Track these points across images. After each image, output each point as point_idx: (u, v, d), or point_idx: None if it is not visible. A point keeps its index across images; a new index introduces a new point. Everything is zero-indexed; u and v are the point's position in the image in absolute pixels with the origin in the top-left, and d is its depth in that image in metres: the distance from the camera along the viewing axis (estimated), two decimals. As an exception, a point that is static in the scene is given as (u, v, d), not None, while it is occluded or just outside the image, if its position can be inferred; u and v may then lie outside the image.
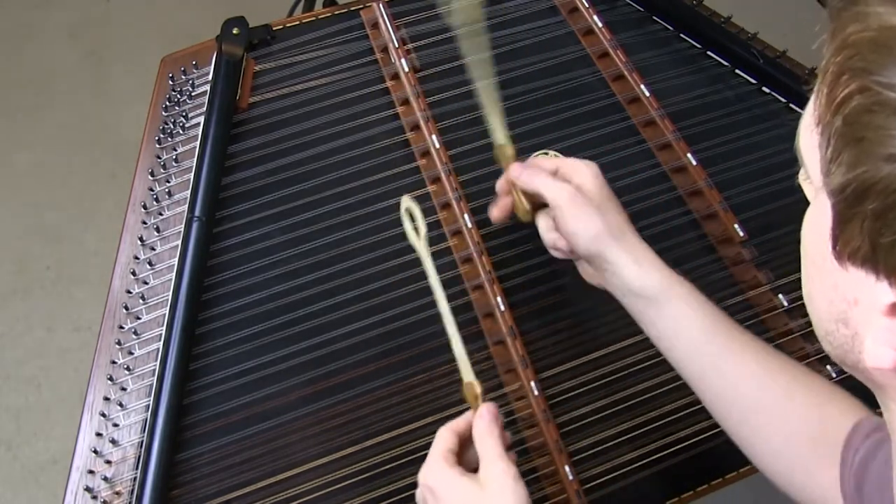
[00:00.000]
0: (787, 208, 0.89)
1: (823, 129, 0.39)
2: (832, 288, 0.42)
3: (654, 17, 0.98)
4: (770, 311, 0.86)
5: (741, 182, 0.91)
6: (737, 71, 0.97)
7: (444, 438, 0.67)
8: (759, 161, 0.93)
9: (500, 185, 0.77)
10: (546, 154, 0.90)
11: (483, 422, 0.67)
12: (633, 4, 0.98)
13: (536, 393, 0.81)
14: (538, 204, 0.74)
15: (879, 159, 0.35)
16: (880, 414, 0.46)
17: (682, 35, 0.98)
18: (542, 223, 0.74)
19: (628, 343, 0.85)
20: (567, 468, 0.79)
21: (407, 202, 0.72)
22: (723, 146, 0.93)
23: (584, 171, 0.71)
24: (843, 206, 0.38)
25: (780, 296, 0.86)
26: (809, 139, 0.41)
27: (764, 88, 0.96)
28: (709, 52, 0.97)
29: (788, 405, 0.65)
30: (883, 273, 0.38)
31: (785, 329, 0.86)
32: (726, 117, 0.95)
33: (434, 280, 0.71)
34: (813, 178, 0.42)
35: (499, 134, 0.77)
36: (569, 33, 0.97)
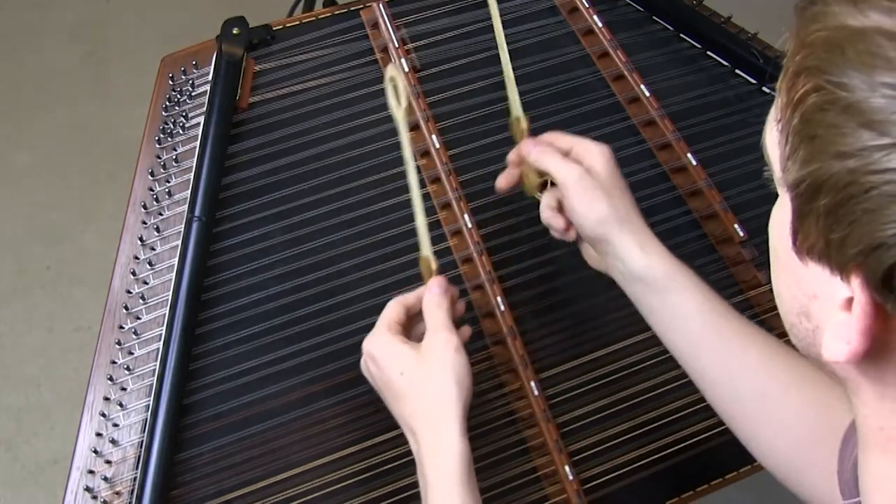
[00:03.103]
0: (787, 208, 0.89)
1: (783, 126, 0.40)
2: (795, 283, 0.43)
3: (654, 18, 0.98)
4: (770, 311, 0.86)
5: (741, 182, 0.91)
6: (737, 71, 0.97)
7: (392, 309, 0.69)
8: (759, 161, 0.91)
9: (511, 156, 0.77)
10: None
11: (431, 294, 0.69)
12: (633, 4, 0.98)
13: (536, 393, 0.81)
14: (546, 181, 0.74)
15: (830, 156, 0.36)
16: None
17: (682, 35, 0.98)
18: (545, 199, 0.74)
19: (628, 343, 0.85)
20: (567, 468, 0.79)
21: (392, 72, 0.73)
22: (723, 146, 0.93)
23: (596, 154, 0.71)
24: (799, 201, 0.40)
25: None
26: (771, 136, 0.43)
27: (764, 88, 0.96)
28: (709, 52, 0.97)
29: (788, 397, 0.65)
30: (836, 268, 0.39)
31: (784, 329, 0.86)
32: (726, 117, 0.95)
33: (407, 152, 0.72)
34: (775, 175, 0.43)
35: (515, 107, 0.77)
36: (569, 33, 0.97)
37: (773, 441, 0.66)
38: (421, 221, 0.73)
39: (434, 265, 0.72)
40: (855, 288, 0.38)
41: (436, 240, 0.85)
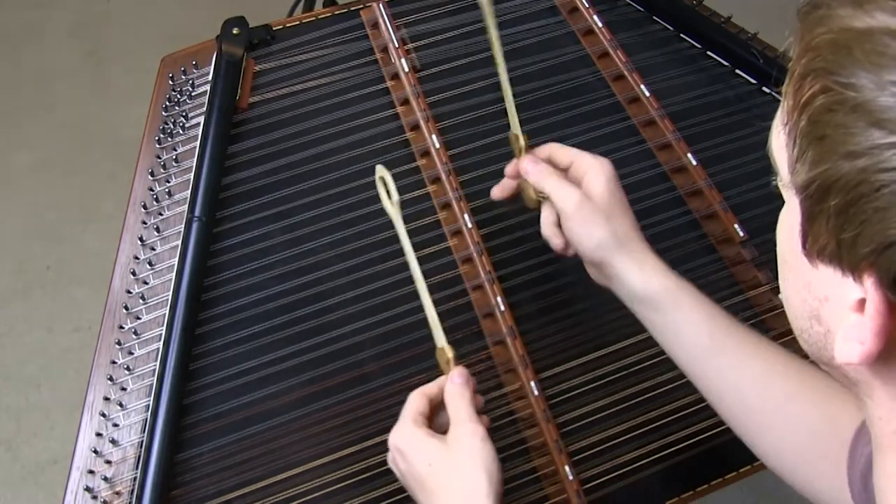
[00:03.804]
0: (787, 208, 0.89)
1: (790, 129, 0.40)
2: (805, 286, 0.43)
3: (654, 18, 0.98)
4: (770, 311, 0.86)
5: (741, 182, 0.91)
6: (737, 71, 0.97)
7: (415, 401, 0.68)
8: (759, 161, 0.93)
9: (508, 169, 0.76)
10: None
11: (454, 385, 0.68)
12: (633, 4, 0.98)
13: (536, 393, 0.81)
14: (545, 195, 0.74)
15: (840, 156, 0.36)
16: None
17: (682, 35, 0.98)
18: (545, 216, 0.74)
19: (628, 343, 0.85)
20: (567, 468, 0.79)
21: (381, 171, 0.74)
22: (723, 146, 0.93)
23: (597, 172, 0.71)
24: (808, 203, 0.39)
25: (781, 296, 0.86)
26: (778, 140, 0.42)
27: (764, 88, 0.96)
28: (709, 52, 0.97)
29: (794, 404, 0.65)
30: (847, 269, 0.39)
31: (785, 329, 0.86)
32: (726, 117, 0.95)
33: (406, 245, 0.72)
34: (783, 178, 0.43)
35: (514, 125, 0.77)
36: (569, 33, 0.97)
37: (781, 448, 0.66)
38: (432, 314, 0.72)
39: (451, 354, 0.71)
40: (868, 288, 0.38)
41: (436, 240, 0.86)
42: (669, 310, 0.68)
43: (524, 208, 0.88)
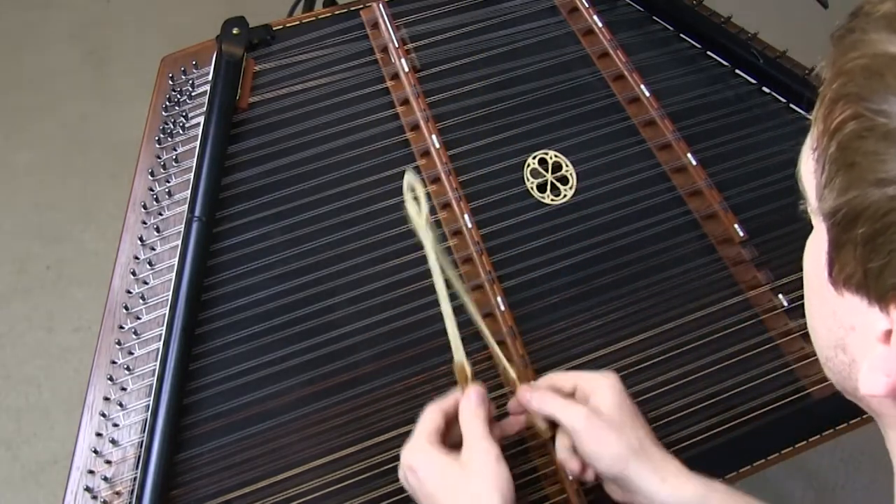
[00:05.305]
0: (787, 208, 0.89)
1: (819, 154, 0.39)
2: (831, 314, 0.42)
3: (654, 18, 0.98)
4: (770, 311, 0.86)
5: (741, 182, 0.91)
6: (737, 71, 0.97)
7: (431, 418, 0.68)
8: (759, 161, 0.93)
9: (511, 405, 0.74)
10: (546, 154, 0.90)
11: (470, 403, 0.67)
12: (633, 4, 0.98)
13: (536, 393, 0.81)
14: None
15: (869, 184, 0.36)
16: None
17: (682, 35, 0.98)
18: (559, 441, 0.71)
19: (628, 343, 0.85)
20: (567, 468, 0.79)
21: (410, 179, 0.70)
22: (723, 146, 0.93)
23: (603, 387, 0.69)
24: (836, 231, 0.39)
25: (780, 296, 0.86)
26: (807, 165, 0.42)
27: (764, 88, 0.96)
28: (709, 52, 0.97)
29: None
30: (874, 299, 0.38)
31: (785, 329, 0.86)
32: (726, 117, 0.95)
33: (432, 258, 0.70)
34: (810, 203, 0.42)
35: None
36: (569, 33, 0.97)
37: None
38: (452, 329, 0.71)
39: (469, 370, 0.70)
40: (895, 319, 0.37)
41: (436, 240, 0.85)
42: None
43: (525, 207, 0.89)
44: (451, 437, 0.69)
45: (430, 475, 0.65)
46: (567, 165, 0.90)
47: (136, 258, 0.84)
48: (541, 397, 0.70)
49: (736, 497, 0.66)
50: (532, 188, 0.89)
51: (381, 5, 0.93)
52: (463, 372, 0.71)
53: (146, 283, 0.83)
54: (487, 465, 0.64)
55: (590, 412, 0.67)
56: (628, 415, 0.68)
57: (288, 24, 0.94)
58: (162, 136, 0.88)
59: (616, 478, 0.68)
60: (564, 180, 0.90)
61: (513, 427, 0.74)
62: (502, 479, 0.64)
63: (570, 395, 0.71)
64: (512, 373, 0.75)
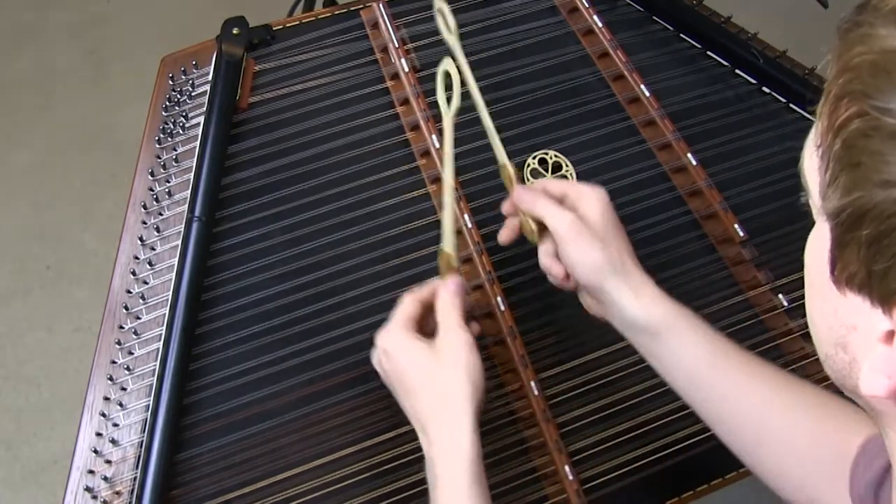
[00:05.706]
0: (787, 208, 0.89)
1: (823, 152, 0.38)
2: (832, 313, 0.42)
3: (654, 18, 0.98)
4: (770, 311, 0.86)
5: (741, 182, 0.91)
6: (737, 71, 0.97)
7: (407, 305, 0.69)
8: (759, 161, 0.93)
9: (505, 207, 0.76)
10: (546, 154, 0.90)
11: (447, 292, 0.69)
12: (633, 4, 0.98)
13: (536, 393, 0.81)
14: (545, 226, 0.73)
15: (874, 185, 0.35)
16: None
17: (682, 35, 0.98)
18: (543, 246, 0.73)
19: (628, 343, 0.84)
20: (567, 468, 0.79)
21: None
22: (723, 146, 0.93)
23: (591, 198, 0.70)
24: (839, 230, 0.38)
25: (780, 296, 0.86)
26: (811, 162, 0.41)
27: (764, 88, 0.96)
28: (709, 52, 0.97)
29: (793, 429, 0.64)
30: (877, 300, 0.37)
31: (785, 329, 0.86)
32: (726, 117, 0.95)
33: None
34: (813, 201, 0.41)
35: (500, 154, 0.76)
36: (569, 33, 0.97)
37: (780, 471, 0.65)
38: (449, 219, 0.72)
39: (455, 263, 0.72)
40: None
41: (436, 240, 0.85)
42: (666, 337, 0.67)
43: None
44: (427, 326, 0.70)
45: (403, 360, 0.66)
46: (567, 165, 0.90)
47: (136, 258, 0.84)
48: (532, 198, 0.71)
49: (705, 328, 0.68)
50: (532, 188, 0.89)
51: (381, 5, 0.93)
52: (447, 262, 0.71)
53: (146, 282, 0.83)
54: (461, 353, 0.65)
55: (575, 219, 0.69)
56: (613, 228, 0.70)
57: (288, 24, 0.94)
58: (162, 136, 0.88)
59: (594, 289, 0.69)
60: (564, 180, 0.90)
61: (510, 233, 0.76)
62: (474, 367, 0.65)
63: (560, 202, 0.72)
64: (510, 169, 0.76)
